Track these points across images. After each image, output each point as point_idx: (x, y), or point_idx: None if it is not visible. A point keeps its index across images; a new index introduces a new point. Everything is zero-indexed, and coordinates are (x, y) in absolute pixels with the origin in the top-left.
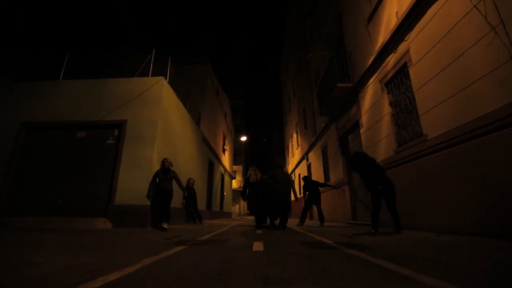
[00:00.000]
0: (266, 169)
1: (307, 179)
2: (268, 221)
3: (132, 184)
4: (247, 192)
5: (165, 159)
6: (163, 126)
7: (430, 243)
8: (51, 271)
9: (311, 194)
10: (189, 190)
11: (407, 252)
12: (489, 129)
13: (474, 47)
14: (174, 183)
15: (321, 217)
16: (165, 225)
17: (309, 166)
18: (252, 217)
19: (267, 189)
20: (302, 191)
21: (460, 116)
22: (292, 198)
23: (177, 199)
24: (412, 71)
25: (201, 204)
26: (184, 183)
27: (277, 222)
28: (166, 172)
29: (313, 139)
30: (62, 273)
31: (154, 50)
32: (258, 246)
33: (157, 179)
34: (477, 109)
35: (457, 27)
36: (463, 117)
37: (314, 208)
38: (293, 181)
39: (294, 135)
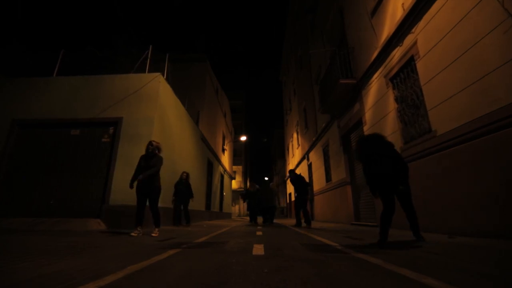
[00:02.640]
0: (266, 169)
1: (291, 173)
2: (260, 220)
3: (128, 184)
4: (246, 197)
5: (150, 141)
6: (160, 124)
7: (443, 246)
8: (19, 281)
9: (298, 191)
10: (178, 186)
11: (421, 256)
12: (505, 124)
13: (489, 36)
14: (164, 175)
15: (307, 218)
16: (155, 233)
17: (309, 166)
18: None
19: (259, 198)
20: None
21: (473, 110)
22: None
23: (169, 198)
24: (419, 65)
25: (200, 205)
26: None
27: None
28: (148, 158)
29: (314, 138)
30: (30, 284)
31: (151, 46)
32: (258, 249)
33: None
34: (492, 103)
35: (469, 16)
36: (475, 111)
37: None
38: (276, 193)
39: (295, 135)
